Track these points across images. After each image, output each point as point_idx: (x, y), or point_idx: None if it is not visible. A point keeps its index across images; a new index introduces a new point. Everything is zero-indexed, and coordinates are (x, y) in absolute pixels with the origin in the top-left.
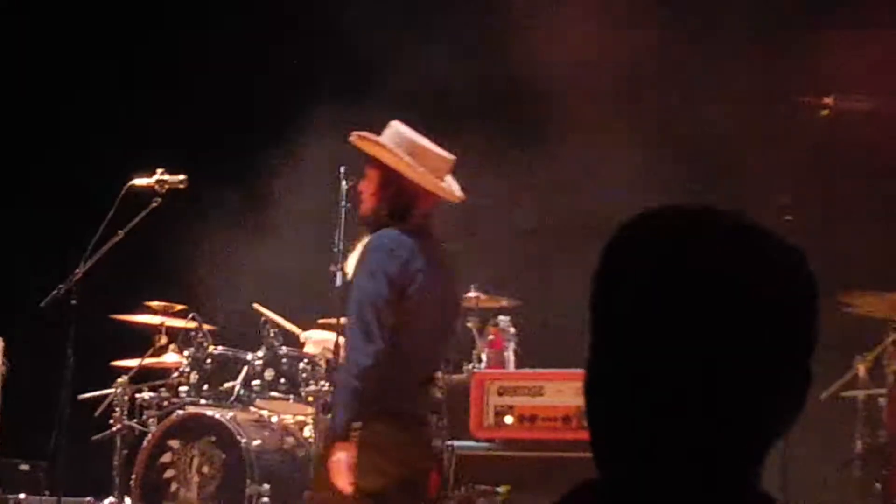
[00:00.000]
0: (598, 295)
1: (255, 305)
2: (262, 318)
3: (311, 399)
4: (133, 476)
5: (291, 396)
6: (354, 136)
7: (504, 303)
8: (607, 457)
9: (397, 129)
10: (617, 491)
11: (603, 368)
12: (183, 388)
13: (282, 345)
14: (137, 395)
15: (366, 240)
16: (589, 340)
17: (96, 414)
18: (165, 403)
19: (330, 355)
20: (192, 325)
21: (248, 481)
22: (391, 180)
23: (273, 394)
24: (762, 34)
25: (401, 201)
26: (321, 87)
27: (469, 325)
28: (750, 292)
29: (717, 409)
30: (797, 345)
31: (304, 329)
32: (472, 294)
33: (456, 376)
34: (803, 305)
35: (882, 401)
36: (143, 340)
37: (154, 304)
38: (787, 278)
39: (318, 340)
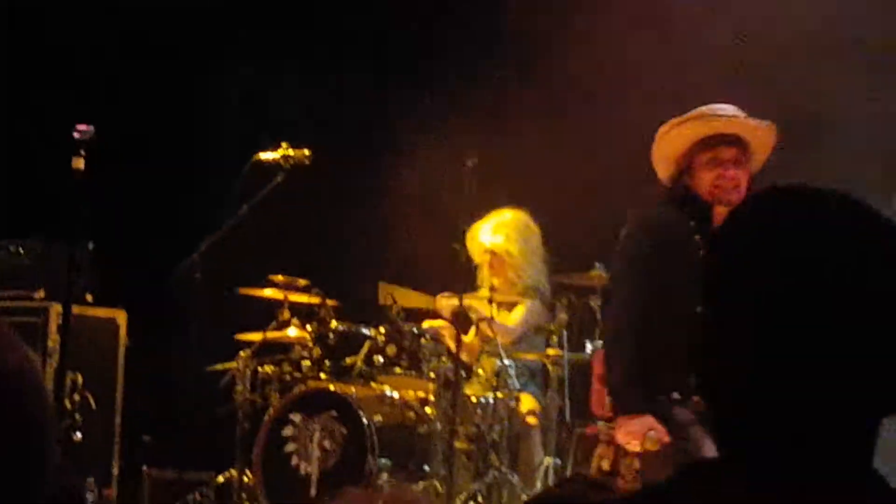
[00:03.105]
0: (719, 279)
1: (381, 284)
2: (386, 293)
3: (432, 375)
4: (254, 449)
5: (413, 372)
6: (767, 126)
7: None
8: (729, 434)
9: None
10: (733, 467)
11: (729, 348)
12: (305, 363)
13: (405, 320)
14: (260, 369)
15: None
16: (707, 320)
17: (219, 387)
18: (287, 378)
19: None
20: (316, 300)
21: (369, 456)
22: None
23: (395, 369)
24: None
25: None
26: (449, 65)
27: (591, 303)
28: (873, 271)
29: (837, 386)
30: None
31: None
32: (594, 272)
33: (578, 355)
34: None
35: None
36: (266, 315)
37: (278, 278)
38: None
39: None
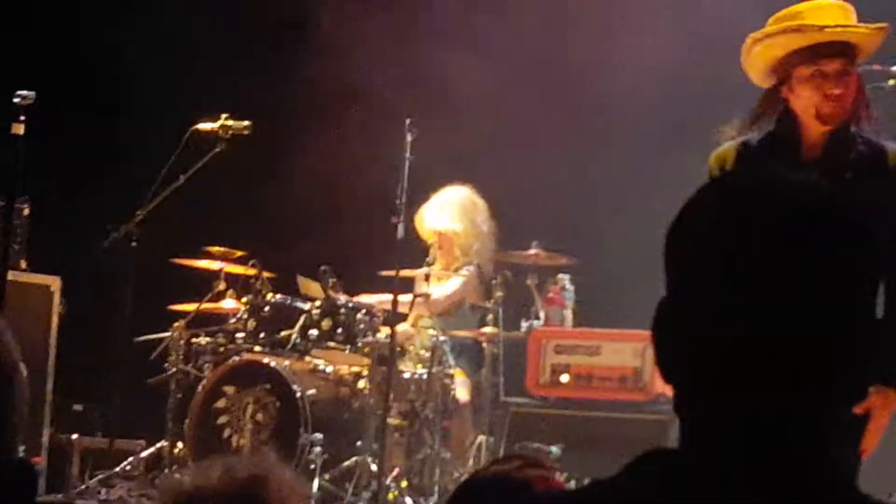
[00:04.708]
0: (678, 254)
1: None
2: (323, 268)
3: (366, 350)
4: (186, 421)
5: (347, 347)
6: (878, 29)
7: (564, 261)
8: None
9: None
10: (697, 457)
11: (697, 331)
12: (239, 335)
13: (340, 295)
14: (194, 340)
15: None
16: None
17: (152, 357)
18: (221, 349)
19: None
20: (252, 271)
21: (302, 430)
22: (860, 85)
23: (329, 344)
24: None
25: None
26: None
27: (528, 282)
28: (832, 251)
29: (801, 372)
30: (868, 304)
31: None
32: (531, 251)
33: (513, 333)
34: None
35: None
36: (201, 285)
37: (214, 249)
38: (864, 240)
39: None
